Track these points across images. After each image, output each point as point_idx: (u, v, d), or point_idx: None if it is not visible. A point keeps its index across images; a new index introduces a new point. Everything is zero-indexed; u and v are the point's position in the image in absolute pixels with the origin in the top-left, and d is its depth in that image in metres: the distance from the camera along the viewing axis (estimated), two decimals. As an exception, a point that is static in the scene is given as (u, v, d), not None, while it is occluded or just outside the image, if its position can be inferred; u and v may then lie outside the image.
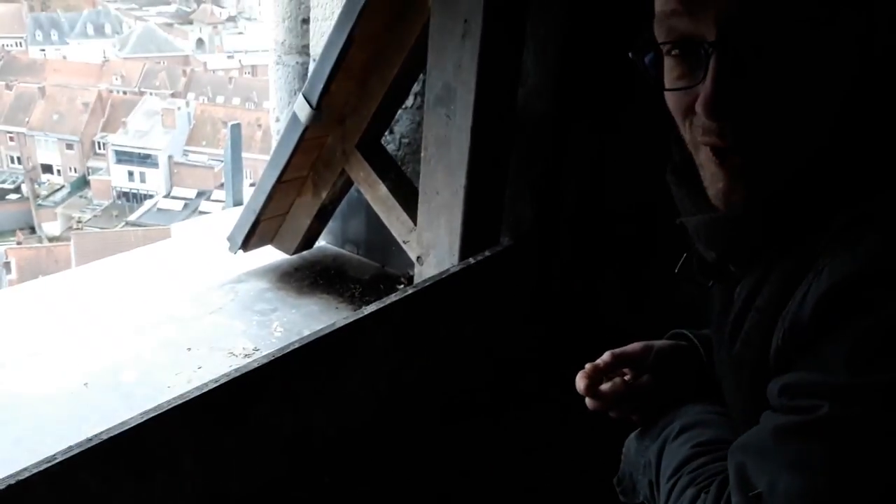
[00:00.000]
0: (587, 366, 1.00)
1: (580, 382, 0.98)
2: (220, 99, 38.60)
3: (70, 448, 1.08)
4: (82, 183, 36.37)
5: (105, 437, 1.11)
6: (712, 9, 0.65)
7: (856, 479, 0.59)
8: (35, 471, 1.03)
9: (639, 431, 1.00)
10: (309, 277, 2.40)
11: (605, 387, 0.98)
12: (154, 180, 34.54)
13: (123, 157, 34.68)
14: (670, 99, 0.74)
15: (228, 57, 47.05)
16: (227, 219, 2.75)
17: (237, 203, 3.85)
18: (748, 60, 0.64)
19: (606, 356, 1.01)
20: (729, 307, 0.80)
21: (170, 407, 1.19)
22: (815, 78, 0.64)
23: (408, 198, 2.08)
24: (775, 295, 0.70)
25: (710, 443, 0.85)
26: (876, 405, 0.58)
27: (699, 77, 0.67)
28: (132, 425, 1.14)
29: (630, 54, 0.75)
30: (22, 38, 45.57)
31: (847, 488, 0.59)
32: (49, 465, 1.05)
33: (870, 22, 0.65)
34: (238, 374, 1.30)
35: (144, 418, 1.16)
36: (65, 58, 43.74)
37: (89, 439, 1.10)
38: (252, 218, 2.30)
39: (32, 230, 33.02)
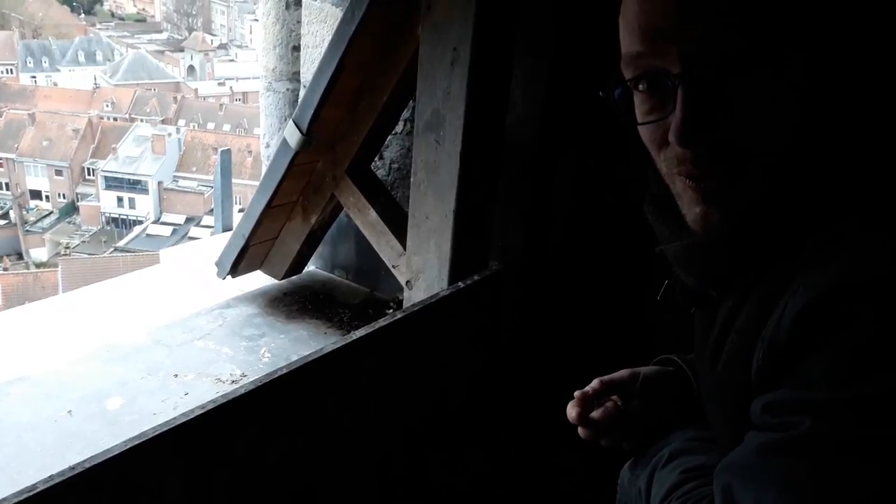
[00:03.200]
0: (576, 393, 1.00)
1: (571, 411, 0.98)
2: (210, 125, 38.74)
3: (52, 477, 1.06)
4: (71, 209, 36.24)
5: (88, 465, 1.09)
6: (674, 45, 0.68)
7: (840, 493, 0.59)
8: (15, 500, 1.01)
9: (631, 461, 1.00)
10: (298, 302, 2.39)
11: (596, 414, 0.98)
12: (143, 206, 34.46)
13: (113, 182, 34.63)
14: (644, 133, 0.77)
15: (219, 84, 47.37)
16: (216, 244, 2.74)
17: (226, 228, 3.85)
18: (712, 89, 0.68)
19: (595, 383, 1.01)
20: (710, 331, 0.81)
21: (155, 434, 1.18)
22: (774, 100, 0.68)
23: (397, 223, 2.08)
24: (754, 316, 0.71)
25: (699, 468, 0.85)
26: (856, 419, 0.59)
27: (668, 109, 0.70)
28: (116, 453, 1.12)
29: (600, 93, 0.79)
30: (13, 65, 45.72)
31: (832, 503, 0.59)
32: (30, 494, 1.03)
33: (816, 52, 0.68)
34: (225, 400, 1.29)
35: (128, 446, 1.14)
36: (56, 85, 43.93)
37: (72, 468, 1.08)
38: (241, 243, 2.29)
39: (20, 256, 32.76)
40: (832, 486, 0.59)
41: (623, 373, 1.02)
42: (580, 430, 0.98)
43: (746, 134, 0.69)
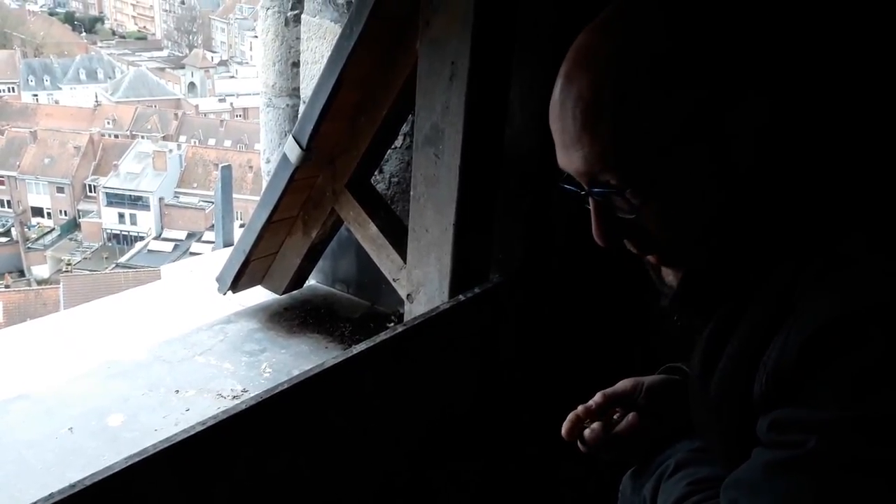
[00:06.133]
0: (579, 408, 1.01)
1: (564, 427, 1.00)
2: (211, 141, 38.86)
3: (52, 495, 1.06)
4: (73, 226, 36.29)
5: (88, 483, 1.08)
6: (572, 170, 0.78)
7: None
8: (16, 518, 1.01)
9: (633, 470, 1.00)
10: (299, 317, 2.38)
11: (586, 433, 0.99)
12: (145, 222, 34.51)
13: (114, 199, 34.70)
14: None
15: (220, 100, 47.59)
16: (217, 260, 2.74)
17: (227, 244, 3.85)
18: (604, 209, 0.77)
19: (598, 397, 1.02)
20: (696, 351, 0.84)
21: (155, 451, 1.17)
22: (679, 191, 0.73)
23: (397, 236, 2.08)
24: (748, 342, 0.72)
25: (706, 480, 0.85)
26: (863, 438, 0.59)
27: None
28: (116, 470, 1.12)
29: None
30: (15, 83, 45.98)
31: None
32: (30, 512, 1.02)
33: (721, 140, 0.71)
34: (226, 416, 1.28)
35: (129, 463, 1.14)
36: (57, 102, 44.13)
37: (72, 486, 1.08)
38: (242, 258, 2.30)
39: (21, 273, 32.76)
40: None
41: (625, 383, 1.02)
42: (579, 445, 0.99)
43: (659, 223, 0.75)
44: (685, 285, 0.80)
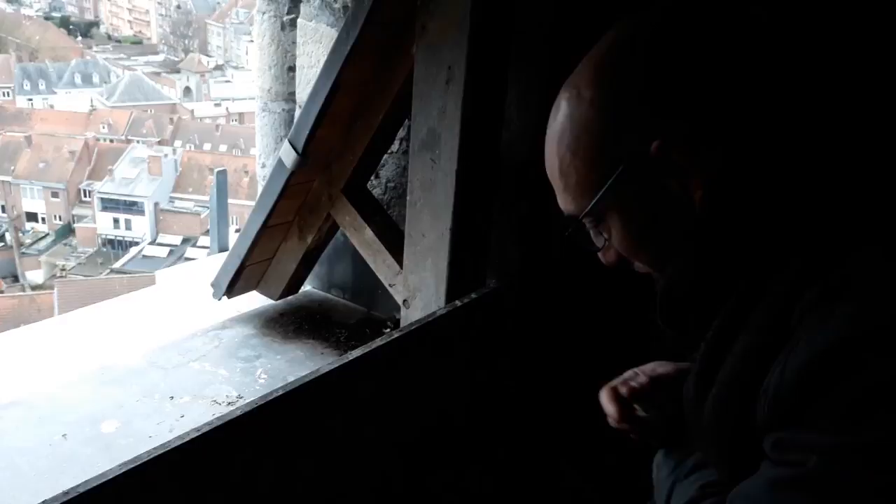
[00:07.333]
0: (622, 389, 1.04)
1: (609, 406, 1.04)
2: (206, 146, 38.88)
3: (45, 502, 1.05)
4: (67, 231, 36.22)
5: (82, 490, 1.08)
6: (561, 207, 0.89)
7: None
8: (8, 527, 1.00)
9: (661, 462, 1.02)
10: (294, 323, 2.38)
11: (640, 414, 1.03)
12: (140, 227, 34.46)
13: (109, 204, 34.65)
14: None
15: (215, 105, 47.61)
16: (212, 265, 2.73)
17: (223, 249, 3.84)
18: (601, 229, 0.87)
19: (643, 379, 1.06)
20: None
21: (149, 458, 1.16)
22: (659, 213, 0.81)
23: (394, 241, 2.08)
24: (742, 369, 0.75)
25: (716, 484, 0.88)
26: (860, 463, 0.61)
27: None
28: (111, 477, 1.11)
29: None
30: (9, 87, 45.94)
31: None
32: (23, 520, 1.01)
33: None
34: (220, 422, 1.27)
35: (123, 469, 1.13)
36: (52, 107, 44.10)
37: (65, 493, 1.07)
38: (237, 263, 2.29)
39: (16, 279, 32.65)
40: None
41: (667, 367, 1.06)
42: (614, 421, 1.03)
43: (644, 245, 0.85)
44: (661, 301, 0.85)
